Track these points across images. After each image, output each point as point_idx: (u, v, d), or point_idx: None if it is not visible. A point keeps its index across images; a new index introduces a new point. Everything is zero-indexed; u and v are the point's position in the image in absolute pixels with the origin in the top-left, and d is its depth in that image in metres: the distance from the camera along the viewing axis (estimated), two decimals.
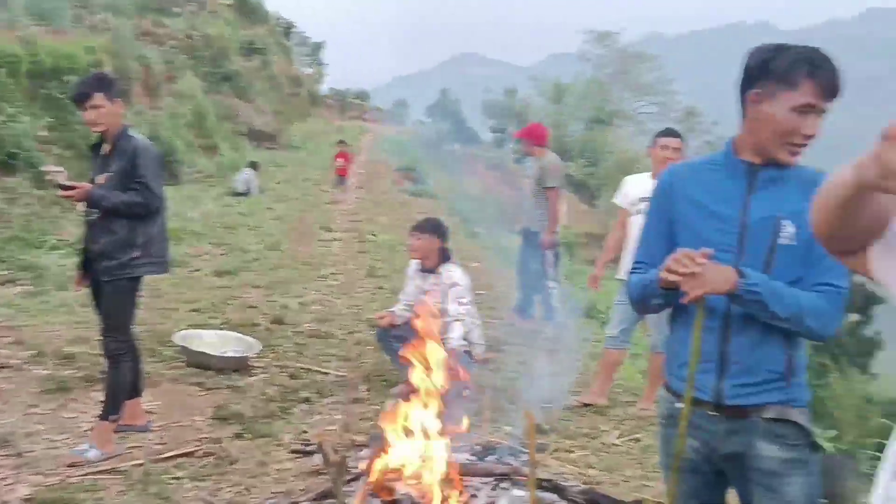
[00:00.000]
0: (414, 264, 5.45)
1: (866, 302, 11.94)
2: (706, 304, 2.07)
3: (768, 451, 2.11)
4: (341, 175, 17.88)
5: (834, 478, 4.65)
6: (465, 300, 5.10)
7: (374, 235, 13.07)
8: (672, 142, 5.10)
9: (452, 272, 5.18)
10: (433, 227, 5.29)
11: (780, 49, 2.04)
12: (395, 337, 5.27)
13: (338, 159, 17.92)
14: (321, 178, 19.48)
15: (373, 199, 18.12)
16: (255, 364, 5.80)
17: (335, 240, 12.59)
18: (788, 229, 2.06)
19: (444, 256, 5.28)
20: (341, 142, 19.13)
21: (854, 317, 11.86)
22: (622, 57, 46.61)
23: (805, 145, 2.05)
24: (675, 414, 2.18)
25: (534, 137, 7.51)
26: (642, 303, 2.27)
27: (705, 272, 2.00)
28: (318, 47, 51.26)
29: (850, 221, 1.05)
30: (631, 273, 2.34)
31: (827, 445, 6.21)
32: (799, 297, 2.03)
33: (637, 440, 4.88)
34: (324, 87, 45.88)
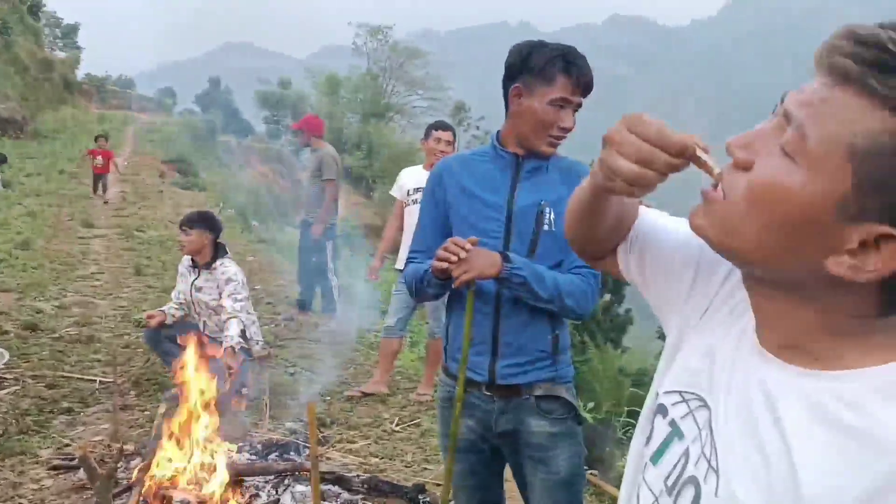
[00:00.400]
0: (185, 260, 5.19)
1: (617, 283, 13.08)
2: (476, 288, 2.17)
3: (538, 427, 2.25)
4: (101, 173, 15.49)
5: (595, 446, 5.07)
6: (241, 296, 4.94)
7: (140, 231, 12.31)
8: (444, 135, 5.26)
9: (227, 267, 5.00)
10: (204, 221, 5.07)
11: (537, 46, 2.18)
12: (168, 338, 5.00)
13: (95, 157, 15.46)
14: (79, 170, 17.97)
15: (138, 193, 17.02)
16: (5, 376, 5.25)
17: (96, 237, 11.70)
18: (550, 216, 2.20)
19: (218, 251, 5.08)
20: (99, 136, 16.62)
21: (608, 297, 12.95)
22: (395, 52, 47.37)
23: (563, 137, 2.21)
24: (453, 396, 2.27)
25: (311, 129, 7.43)
26: (419, 291, 2.34)
27: (472, 258, 2.09)
28: (71, 29, 47.26)
29: (595, 224, 1.13)
30: (408, 262, 2.39)
31: (587, 416, 6.75)
32: (558, 279, 2.18)
33: (417, 425, 5.01)
34: (80, 73, 42.20)
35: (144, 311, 6.60)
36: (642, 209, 1.18)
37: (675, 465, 0.94)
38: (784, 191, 0.76)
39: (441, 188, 2.32)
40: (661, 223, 1.14)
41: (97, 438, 4.35)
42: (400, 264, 5.39)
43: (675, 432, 0.95)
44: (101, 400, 5.01)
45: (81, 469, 3.74)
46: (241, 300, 4.90)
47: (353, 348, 6.83)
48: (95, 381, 5.36)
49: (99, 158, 15.46)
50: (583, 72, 2.15)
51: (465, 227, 2.23)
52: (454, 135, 5.36)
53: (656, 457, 0.97)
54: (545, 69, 2.12)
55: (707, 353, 0.95)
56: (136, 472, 3.47)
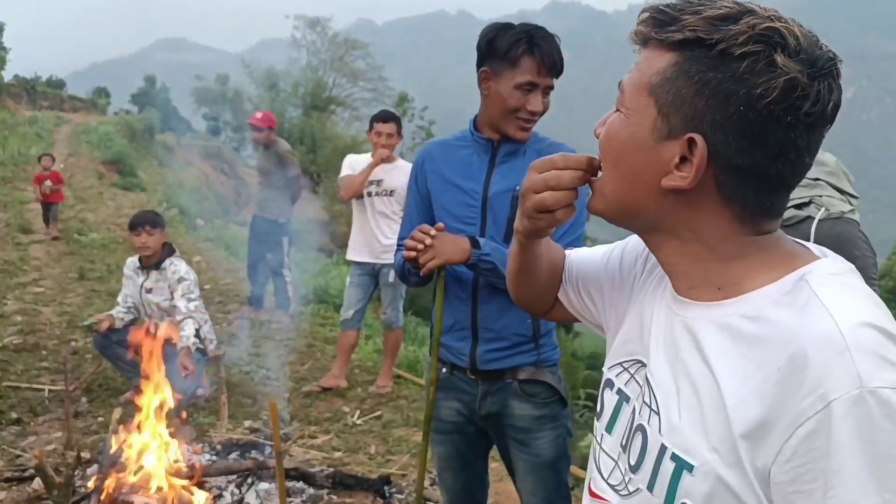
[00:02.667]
0: (131, 262, 5.08)
1: None
2: (455, 274, 2.18)
3: (521, 410, 2.25)
4: (53, 202, 11.89)
5: None
6: (194, 295, 4.86)
7: (81, 235, 11.98)
8: (387, 126, 5.23)
9: (178, 266, 4.91)
10: (161, 221, 4.99)
11: (504, 28, 2.14)
12: (118, 342, 4.90)
13: (43, 182, 11.70)
14: (13, 174, 17.39)
15: (77, 196, 16.54)
16: None
17: (35, 242, 11.35)
18: None
19: (167, 251, 4.99)
20: (44, 155, 12.77)
21: None
22: (334, 44, 46.88)
23: (533, 121, 2.16)
24: (439, 378, 2.30)
25: (272, 125, 7.22)
26: (405, 279, 2.34)
27: (439, 244, 2.09)
28: None
29: (534, 278, 1.29)
30: (396, 250, 2.38)
31: None
32: None
33: (378, 418, 5.00)
34: (8, 75, 40.72)
35: (91, 315, 6.45)
36: (566, 252, 1.34)
37: (626, 426, 1.03)
38: (615, 133, 0.97)
39: (423, 175, 2.31)
40: (585, 253, 1.33)
41: (50, 447, 4.25)
42: (352, 255, 5.36)
43: (622, 398, 1.06)
44: (50, 409, 4.89)
45: (36, 479, 3.65)
46: (194, 299, 4.83)
47: (309, 343, 6.78)
48: (44, 389, 5.23)
49: (48, 183, 11.73)
50: (549, 52, 2.10)
51: (444, 214, 2.23)
52: (398, 124, 5.33)
53: (609, 426, 1.07)
54: (510, 52, 2.08)
55: (637, 317, 1.09)
56: (93, 479, 3.39)
